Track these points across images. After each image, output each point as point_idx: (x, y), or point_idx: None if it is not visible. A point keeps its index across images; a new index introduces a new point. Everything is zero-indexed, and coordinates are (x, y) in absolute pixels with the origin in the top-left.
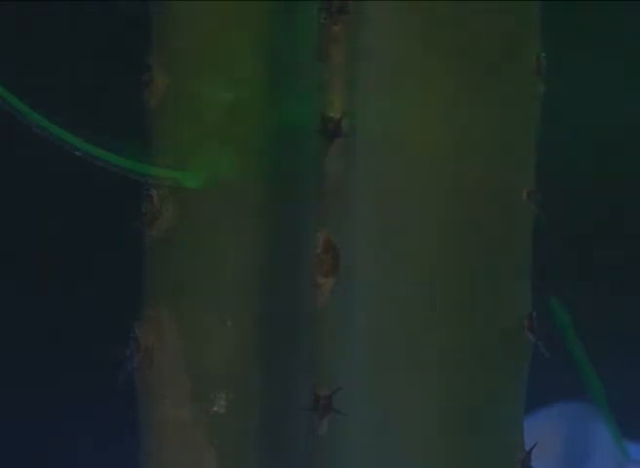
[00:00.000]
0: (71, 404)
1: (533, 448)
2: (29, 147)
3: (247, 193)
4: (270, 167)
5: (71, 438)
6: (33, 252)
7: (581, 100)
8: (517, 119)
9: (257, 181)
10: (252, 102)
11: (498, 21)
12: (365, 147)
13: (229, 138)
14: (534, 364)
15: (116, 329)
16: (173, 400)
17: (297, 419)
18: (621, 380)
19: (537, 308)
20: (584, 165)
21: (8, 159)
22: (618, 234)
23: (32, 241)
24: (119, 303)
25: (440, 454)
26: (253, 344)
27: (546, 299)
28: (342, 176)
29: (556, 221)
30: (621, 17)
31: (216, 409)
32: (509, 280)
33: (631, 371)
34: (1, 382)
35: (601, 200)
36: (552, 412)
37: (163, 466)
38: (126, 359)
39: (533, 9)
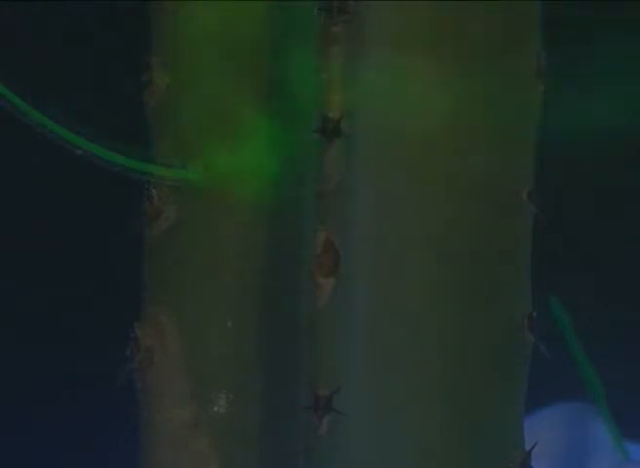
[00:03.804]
0: (71, 404)
1: (533, 448)
2: (29, 146)
3: (247, 193)
4: (270, 167)
5: (71, 438)
6: (33, 251)
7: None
8: (517, 119)
9: (256, 181)
10: (252, 102)
11: (498, 22)
12: (365, 147)
13: (229, 138)
14: (534, 364)
15: (116, 328)
16: (173, 400)
17: (297, 419)
18: (621, 380)
19: (537, 308)
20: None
21: (8, 158)
22: (618, 233)
23: (32, 241)
24: (119, 303)
25: (440, 454)
26: (253, 344)
27: (546, 299)
28: (342, 176)
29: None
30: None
31: (216, 409)
32: (509, 280)
33: (631, 371)
34: (0, 382)
35: (602, 198)
36: (552, 412)
37: (163, 466)
38: (126, 359)
39: (533, 9)
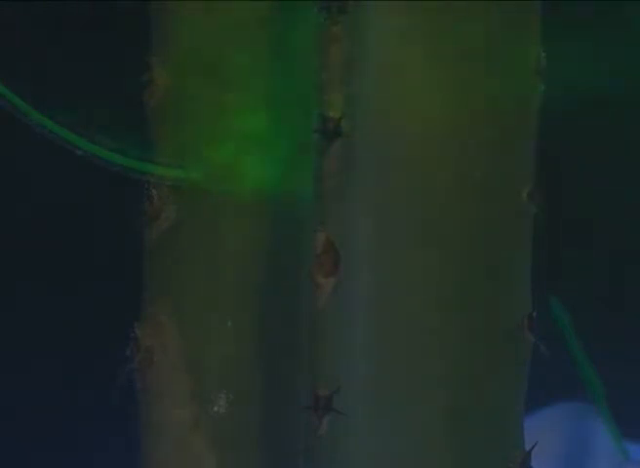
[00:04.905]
0: (71, 404)
1: (533, 447)
2: (29, 146)
3: (246, 193)
4: (270, 167)
5: (72, 438)
6: (33, 251)
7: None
8: (517, 119)
9: (256, 181)
10: (251, 102)
11: (498, 21)
12: (365, 147)
13: (229, 138)
14: (534, 364)
15: (116, 328)
16: (173, 400)
17: (297, 419)
18: (621, 380)
19: (537, 308)
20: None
21: (8, 158)
22: (617, 233)
23: (32, 241)
24: (119, 303)
25: (440, 454)
26: (253, 344)
27: (546, 299)
28: (342, 176)
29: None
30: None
31: (216, 409)
32: (509, 280)
33: (631, 371)
34: (1, 382)
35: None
36: (552, 412)
37: (163, 466)
38: (126, 359)
39: (533, 9)
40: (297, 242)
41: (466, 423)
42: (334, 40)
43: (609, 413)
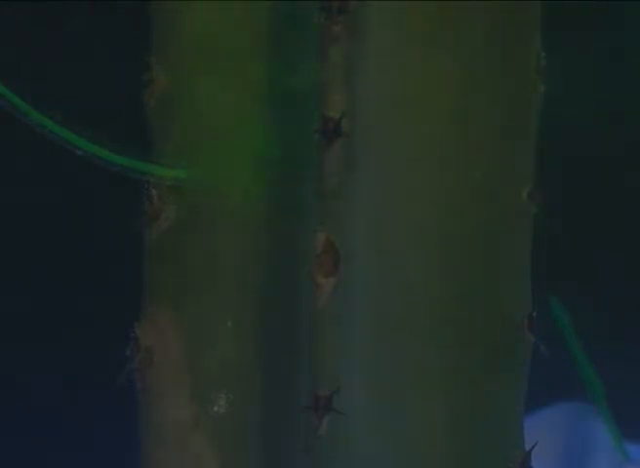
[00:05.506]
0: (71, 404)
1: (533, 448)
2: (29, 146)
3: (247, 193)
4: (270, 167)
5: (72, 438)
6: (33, 252)
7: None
8: (517, 119)
9: (256, 181)
10: (251, 102)
11: (498, 22)
12: (365, 147)
13: (229, 138)
14: (534, 364)
15: (116, 328)
16: (173, 400)
17: (297, 419)
18: (621, 380)
19: (537, 308)
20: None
21: (8, 158)
22: (618, 233)
23: (32, 241)
24: (119, 303)
25: (440, 454)
26: (253, 344)
27: (546, 299)
28: (342, 176)
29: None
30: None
31: (216, 409)
32: (509, 280)
33: (631, 371)
34: (1, 382)
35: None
36: (552, 412)
37: (163, 466)
38: (126, 359)
39: (533, 9)
40: (297, 242)
41: (466, 423)
42: (334, 40)
43: (609, 413)
